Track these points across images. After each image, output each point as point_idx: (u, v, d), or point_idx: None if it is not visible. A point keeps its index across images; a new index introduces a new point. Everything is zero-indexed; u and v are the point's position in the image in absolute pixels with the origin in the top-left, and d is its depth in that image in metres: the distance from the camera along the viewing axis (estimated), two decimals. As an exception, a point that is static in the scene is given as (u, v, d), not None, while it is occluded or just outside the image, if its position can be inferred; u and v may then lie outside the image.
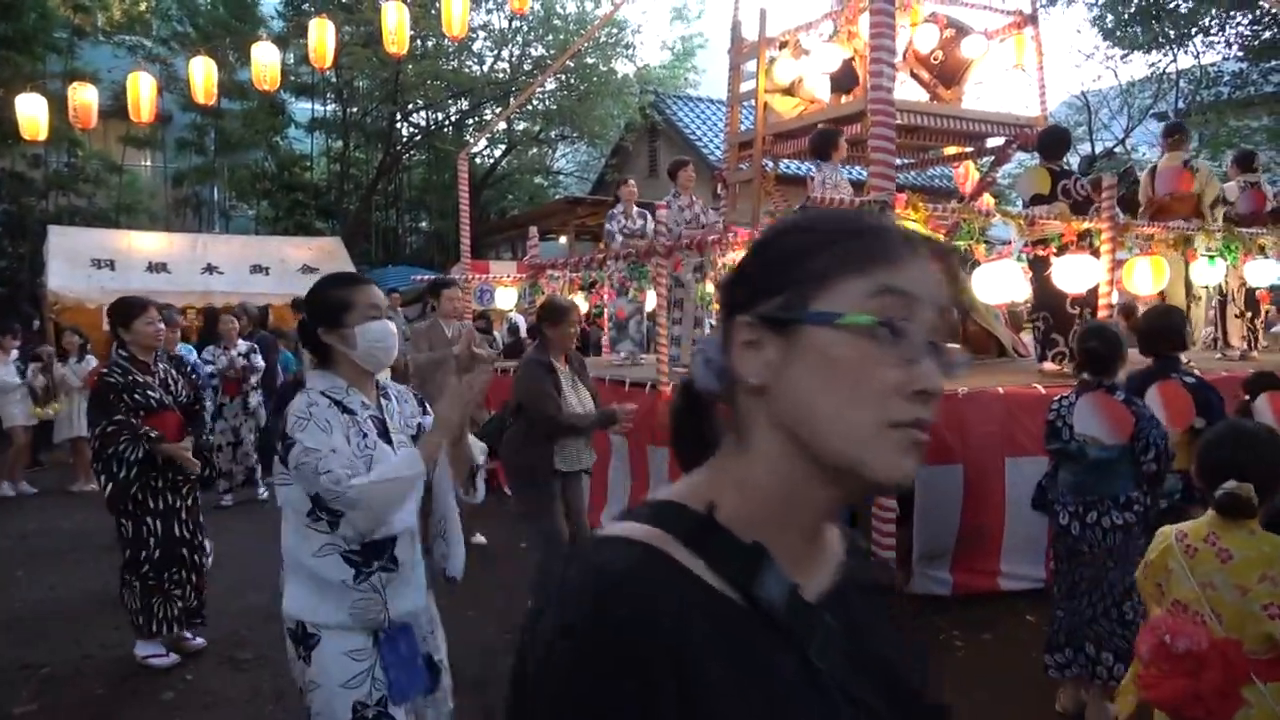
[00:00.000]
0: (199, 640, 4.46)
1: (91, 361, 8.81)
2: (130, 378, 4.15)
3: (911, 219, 4.75)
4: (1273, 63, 16.42)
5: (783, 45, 8.40)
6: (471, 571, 5.89)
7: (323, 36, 8.96)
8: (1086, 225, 5.45)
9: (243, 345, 7.91)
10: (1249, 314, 7.41)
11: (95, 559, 6.13)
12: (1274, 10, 14.28)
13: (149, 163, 21.11)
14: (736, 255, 5.46)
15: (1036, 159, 8.87)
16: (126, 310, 4.25)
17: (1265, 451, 2.19)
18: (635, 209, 7.84)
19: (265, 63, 9.33)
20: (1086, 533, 3.44)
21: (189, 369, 4.62)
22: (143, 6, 18.79)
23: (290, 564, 2.24)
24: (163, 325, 4.31)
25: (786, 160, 9.62)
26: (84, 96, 9.68)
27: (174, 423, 4.28)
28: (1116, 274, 5.52)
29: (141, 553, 4.19)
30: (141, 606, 4.21)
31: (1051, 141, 6.44)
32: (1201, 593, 2.13)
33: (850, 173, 14.32)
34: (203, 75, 9.34)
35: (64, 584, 5.69)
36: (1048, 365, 5.89)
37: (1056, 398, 3.72)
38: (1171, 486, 3.85)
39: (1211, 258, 6.25)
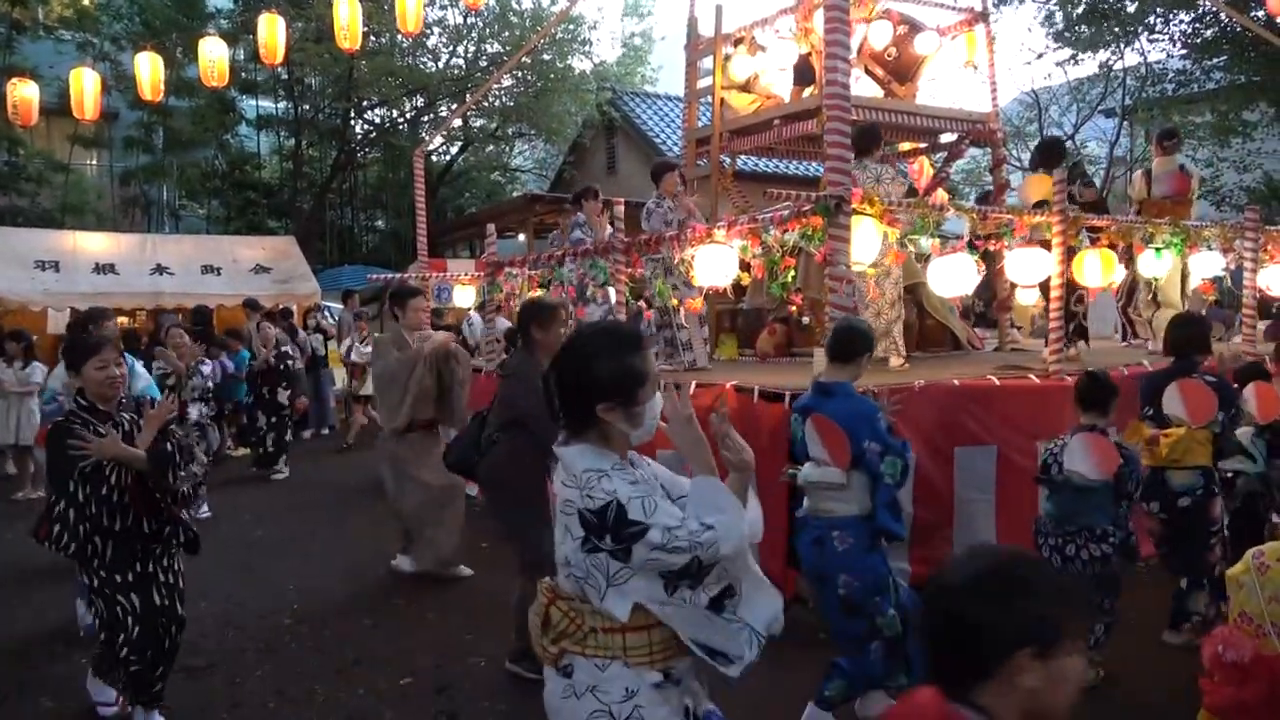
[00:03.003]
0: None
1: (36, 367, 8.55)
2: (92, 430, 3.34)
3: (867, 213, 4.78)
4: (1214, 60, 16.83)
5: (739, 42, 8.43)
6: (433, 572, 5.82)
7: (273, 31, 8.81)
8: (1037, 219, 5.54)
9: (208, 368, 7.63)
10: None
11: (41, 574, 5.95)
12: (1214, 9, 14.64)
13: (95, 161, 20.58)
14: (694, 252, 5.46)
15: (989, 154, 9.03)
16: (76, 352, 3.55)
17: None
18: (600, 220, 7.80)
19: (213, 58, 9.15)
20: (1067, 565, 3.71)
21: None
22: (87, 2, 18.30)
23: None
24: (119, 370, 3.52)
25: (744, 156, 9.66)
26: (24, 93, 9.43)
27: (139, 483, 3.45)
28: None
29: (119, 635, 3.41)
30: (129, 684, 3.57)
31: (1049, 151, 6.82)
32: (1266, 607, 2.27)
33: (806, 168, 14.44)
34: (149, 71, 9.14)
35: (6, 598, 5.53)
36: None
37: (1051, 440, 3.94)
38: (1192, 483, 4.06)
39: (1159, 250, 6.38)
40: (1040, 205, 6.20)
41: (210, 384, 7.70)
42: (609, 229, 7.35)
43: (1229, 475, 4.22)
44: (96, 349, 3.49)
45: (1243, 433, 4.09)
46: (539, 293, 7.48)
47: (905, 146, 9.17)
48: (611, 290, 6.51)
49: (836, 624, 3.40)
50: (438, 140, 20.51)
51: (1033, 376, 5.36)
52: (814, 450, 3.34)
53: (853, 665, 3.36)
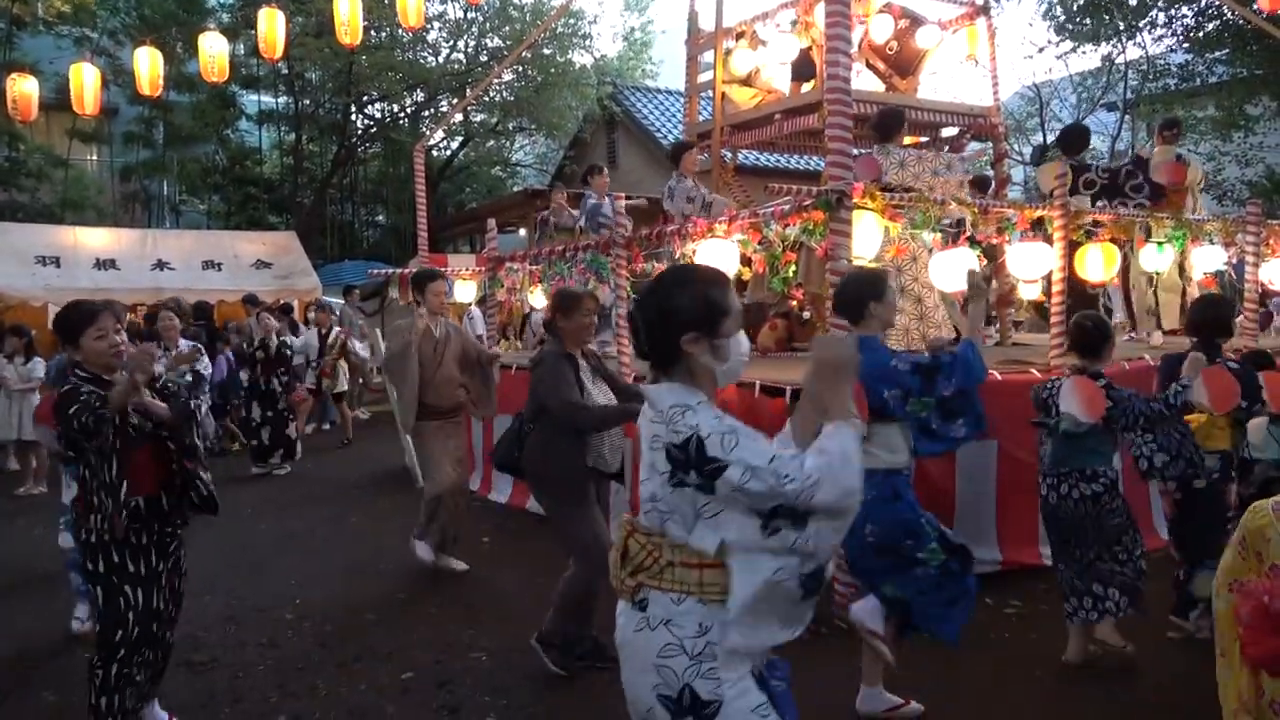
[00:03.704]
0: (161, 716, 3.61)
1: (38, 363, 8.55)
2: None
3: (869, 208, 4.77)
4: (1217, 54, 16.79)
5: (740, 36, 8.42)
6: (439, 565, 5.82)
7: (272, 26, 8.78)
8: (1040, 213, 5.52)
9: (184, 346, 7.12)
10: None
11: (43, 569, 5.97)
12: (1217, 2, 14.60)
13: (95, 157, 20.58)
14: (696, 246, 5.45)
15: (990, 147, 9.02)
16: (71, 323, 3.24)
17: None
18: (607, 198, 7.87)
19: (213, 53, 9.12)
20: (1062, 503, 3.83)
21: (159, 383, 3.48)
22: (86, -3, 18.30)
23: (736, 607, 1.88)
24: (121, 337, 3.27)
25: (745, 151, 9.64)
26: (24, 88, 9.41)
27: (147, 456, 3.29)
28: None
29: (118, 632, 3.20)
30: (101, 689, 3.22)
31: (1070, 138, 6.82)
32: None
33: (808, 162, 14.46)
34: (148, 66, 9.11)
35: (7, 594, 5.54)
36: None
37: (1049, 379, 4.07)
38: (1209, 466, 4.07)
39: (1160, 244, 6.37)
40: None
41: (208, 375, 7.54)
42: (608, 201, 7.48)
43: (1247, 459, 4.20)
44: (93, 317, 3.20)
45: (1257, 423, 4.08)
46: (538, 287, 7.50)
47: (906, 140, 9.14)
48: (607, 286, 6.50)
49: (866, 565, 3.42)
50: (438, 135, 20.53)
51: (1034, 370, 5.35)
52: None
53: (900, 588, 3.34)
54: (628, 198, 7.87)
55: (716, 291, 1.95)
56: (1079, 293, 6.12)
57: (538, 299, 7.43)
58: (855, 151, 5.58)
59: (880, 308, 3.43)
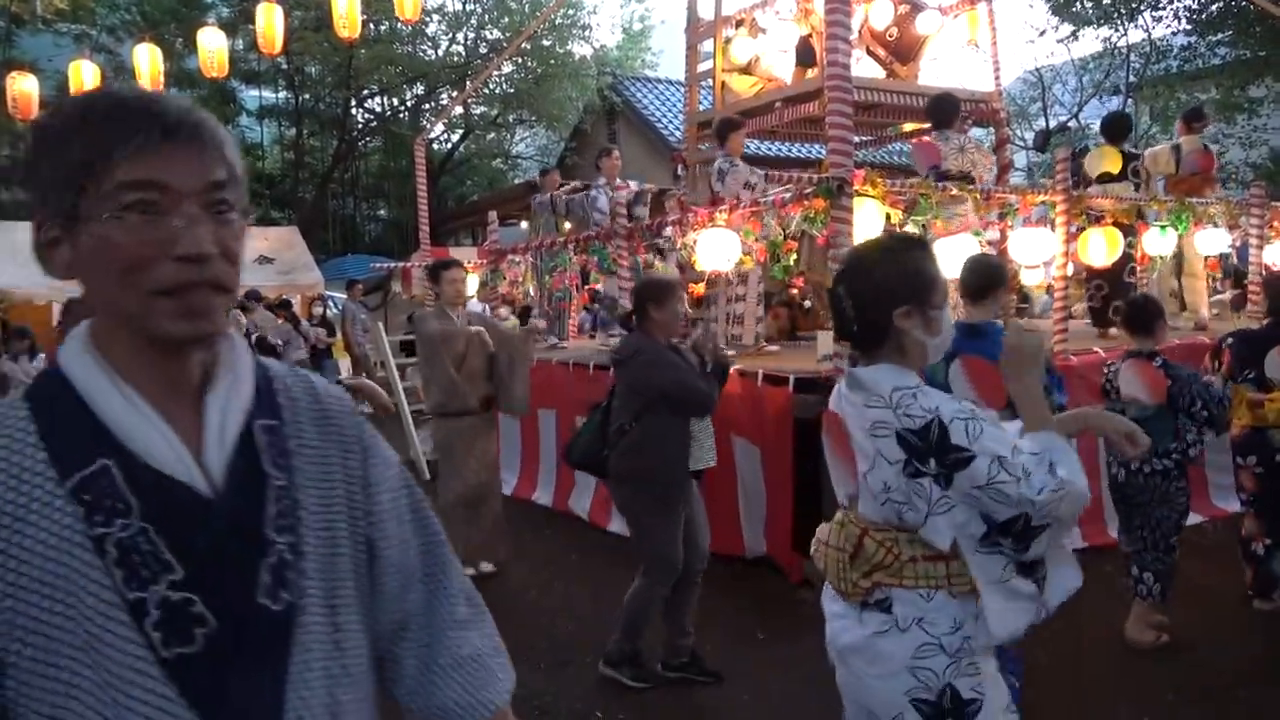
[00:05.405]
0: None
1: (42, 359, 8.57)
2: None
3: (870, 195, 4.76)
4: (1219, 35, 16.70)
5: (739, 24, 8.38)
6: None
7: (271, 21, 8.76)
8: (1041, 199, 5.51)
9: None
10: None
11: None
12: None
13: (96, 154, 20.60)
14: (696, 235, 5.44)
15: (992, 134, 8.99)
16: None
17: None
18: (619, 181, 7.88)
19: (212, 49, 9.11)
20: (1131, 479, 3.90)
21: None
22: (85, -7, 18.27)
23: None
24: None
25: (746, 140, 9.60)
26: (24, 86, 9.41)
27: None
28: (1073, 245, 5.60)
29: None
30: None
31: (1114, 125, 6.94)
32: None
33: (810, 150, 14.39)
34: (148, 63, 9.11)
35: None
36: (1112, 331, 5.99)
37: (1106, 363, 4.16)
38: None
39: (1163, 228, 6.35)
40: (1105, 178, 6.47)
41: None
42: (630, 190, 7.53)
43: None
44: None
45: None
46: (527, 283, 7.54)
47: (908, 127, 9.11)
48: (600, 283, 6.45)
49: None
50: (439, 128, 20.49)
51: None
52: (958, 393, 3.26)
53: None
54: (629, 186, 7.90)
55: (925, 260, 1.85)
56: (1113, 278, 6.23)
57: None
58: (856, 139, 5.55)
59: (1004, 295, 3.50)
